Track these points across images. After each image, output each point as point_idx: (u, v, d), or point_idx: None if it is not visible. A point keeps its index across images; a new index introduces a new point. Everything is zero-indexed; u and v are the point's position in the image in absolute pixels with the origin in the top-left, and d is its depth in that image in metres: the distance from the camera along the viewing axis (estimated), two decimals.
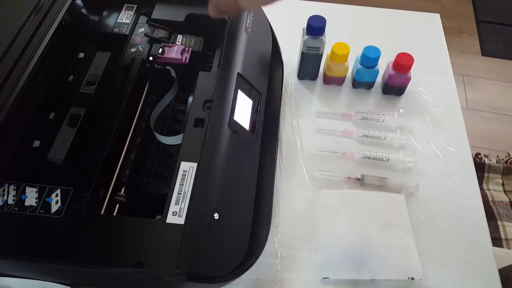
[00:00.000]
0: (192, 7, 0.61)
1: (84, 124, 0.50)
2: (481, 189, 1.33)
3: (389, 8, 0.84)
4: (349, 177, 0.60)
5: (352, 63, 0.69)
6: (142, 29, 0.60)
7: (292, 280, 0.52)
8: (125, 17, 0.62)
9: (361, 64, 0.67)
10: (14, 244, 0.41)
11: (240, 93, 0.53)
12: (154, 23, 0.59)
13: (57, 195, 0.44)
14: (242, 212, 0.47)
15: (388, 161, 0.61)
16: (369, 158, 0.61)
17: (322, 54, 0.66)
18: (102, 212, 0.46)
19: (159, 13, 0.60)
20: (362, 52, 0.65)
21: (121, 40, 0.59)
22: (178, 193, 0.43)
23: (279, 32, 0.67)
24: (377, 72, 0.68)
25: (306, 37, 0.63)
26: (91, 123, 0.51)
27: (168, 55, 0.56)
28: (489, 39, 1.88)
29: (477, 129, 1.55)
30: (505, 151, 1.46)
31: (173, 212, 0.42)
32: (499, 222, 1.25)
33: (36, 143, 0.49)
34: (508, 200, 1.31)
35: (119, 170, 0.49)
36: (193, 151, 0.46)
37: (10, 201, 0.44)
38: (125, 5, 0.63)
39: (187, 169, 0.45)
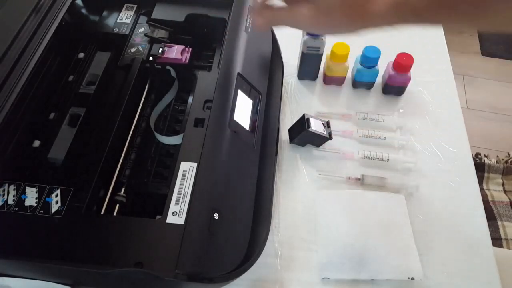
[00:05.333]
0: (192, 7, 0.61)
1: (84, 124, 0.50)
2: (481, 189, 1.33)
3: None
4: (349, 177, 0.60)
5: (352, 63, 0.69)
6: (142, 29, 0.60)
7: (292, 280, 0.52)
8: (125, 17, 0.62)
9: (361, 64, 0.67)
10: (14, 244, 0.41)
11: (240, 93, 0.53)
12: (154, 23, 0.59)
13: (57, 195, 0.44)
14: (242, 212, 0.47)
15: (388, 161, 0.61)
16: (369, 158, 0.61)
17: (322, 54, 0.66)
18: (102, 212, 0.46)
19: (159, 13, 0.60)
20: (362, 52, 0.65)
21: (121, 40, 0.59)
22: (178, 193, 0.43)
23: (279, 32, 0.67)
24: (377, 72, 0.68)
25: (306, 37, 0.63)
26: (91, 123, 0.51)
27: (168, 55, 0.56)
28: (489, 39, 1.88)
29: (477, 129, 1.55)
30: (505, 151, 1.46)
31: (173, 212, 0.42)
32: (499, 222, 1.25)
33: (36, 143, 0.49)
34: (508, 200, 1.31)
35: (119, 170, 0.49)
36: (193, 151, 0.46)
37: (10, 201, 0.44)
38: (125, 5, 0.63)
39: (187, 169, 0.45)
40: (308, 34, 0.63)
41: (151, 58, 0.57)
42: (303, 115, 0.60)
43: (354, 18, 0.40)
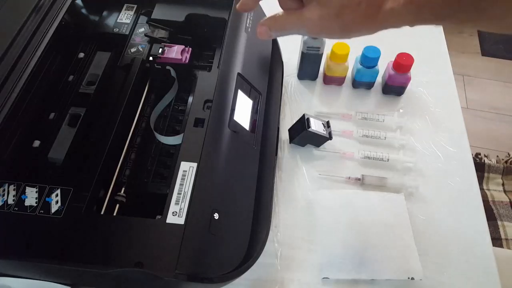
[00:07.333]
0: (192, 7, 0.61)
1: (84, 124, 0.50)
2: (481, 189, 1.33)
3: None
4: (349, 177, 0.60)
5: (352, 63, 0.69)
6: (142, 29, 0.60)
7: (292, 280, 0.52)
8: (125, 17, 0.62)
9: (361, 64, 0.67)
10: (14, 244, 0.41)
11: (240, 93, 0.53)
12: (154, 23, 0.59)
13: (57, 195, 0.44)
14: (242, 212, 0.47)
15: (388, 161, 0.61)
16: (369, 158, 0.61)
17: (322, 54, 0.66)
18: (102, 212, 0.46)
19: (159, 13, 0.60)
20: (362, 52, 0.65)
21: (121, 40, 0.59)
22: (178, 193, 0.43)
23: None
24: (377, 72, 0.68)
25: (306, 37, 0.63)
26: (91, 123, 0.51)
27: (168, 55, 0.56)
28: (489, 39, 1.88)
29: (477, 129, 1.55)
30: (505, 151, 1.46)
31: (173, 212, 0.42)
32: (499, 222, 1.25)
33: (36, 143, 0.49)
34: (508, 200, 1.31)
35: (119, 170, 0.49)
36: (193, 151, 0.46)
37: (10, 201, 0.44)
38: (125, 5, 0.63)
39: (187, 169, 0.45)
40: None
41: (151, 58, 0.56)
42: (303, 115, 0.60)
43: (369, 18, 0.37)
